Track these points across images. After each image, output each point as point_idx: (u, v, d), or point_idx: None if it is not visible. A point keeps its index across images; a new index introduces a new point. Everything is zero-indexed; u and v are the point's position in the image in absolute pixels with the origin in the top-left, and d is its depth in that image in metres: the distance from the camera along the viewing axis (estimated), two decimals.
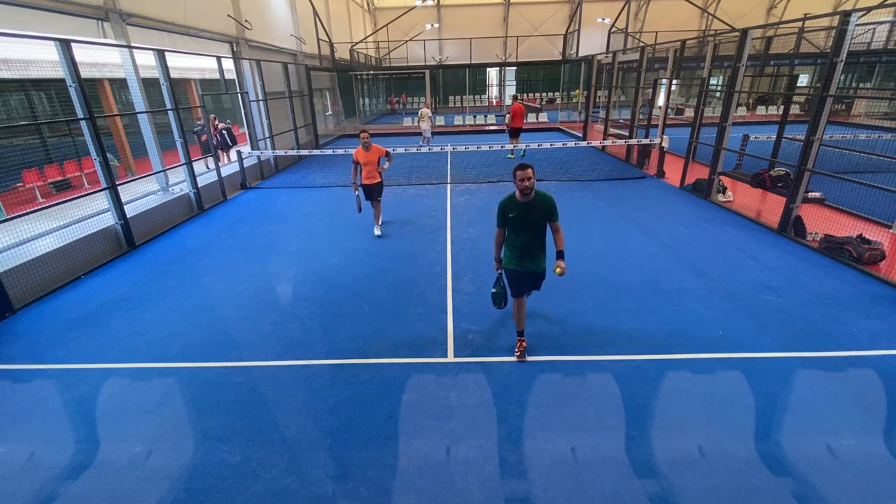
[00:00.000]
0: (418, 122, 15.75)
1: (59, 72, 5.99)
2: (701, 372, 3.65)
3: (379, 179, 6.86)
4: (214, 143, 10.86)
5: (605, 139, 13.62)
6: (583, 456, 2.88)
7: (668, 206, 8.23)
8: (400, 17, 23.07)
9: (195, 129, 11.56)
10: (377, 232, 7.07)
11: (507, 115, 13.33)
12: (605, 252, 6.14)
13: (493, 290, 3.96)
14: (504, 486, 2.69)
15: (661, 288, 5.06)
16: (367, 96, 29.89)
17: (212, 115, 12.01)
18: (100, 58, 8.32)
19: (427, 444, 3.01)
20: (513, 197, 3.52)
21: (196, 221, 8.34)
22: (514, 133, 13.09)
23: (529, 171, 3.38)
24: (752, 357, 3.81)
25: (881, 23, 15.32)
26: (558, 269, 3.48)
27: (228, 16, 11.77)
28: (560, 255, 3.55)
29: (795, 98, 19.08)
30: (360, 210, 6.87)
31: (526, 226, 3.54)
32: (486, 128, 21.78)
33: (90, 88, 7.33)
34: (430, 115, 15.75)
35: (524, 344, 3.90)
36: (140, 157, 9.88)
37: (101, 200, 6.74)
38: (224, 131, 12.02)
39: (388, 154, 6.86)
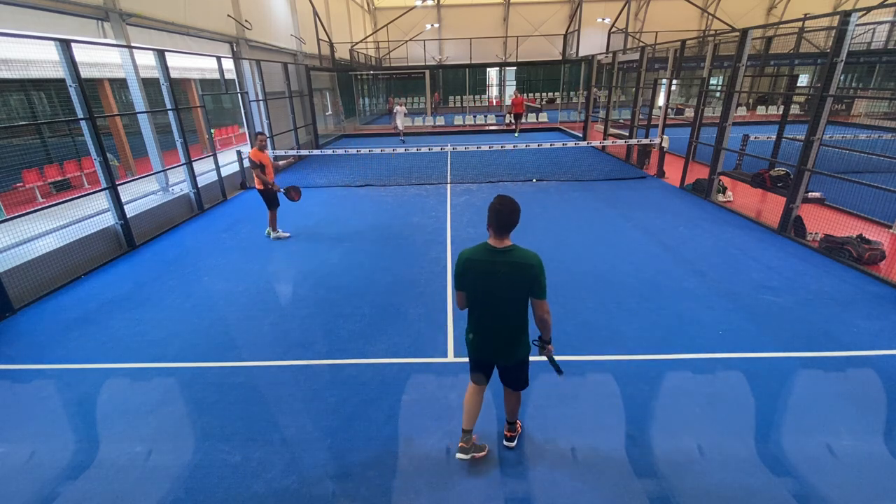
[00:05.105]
0: (394, 119, 17.87)
1: (59, 72, 5.99)
2: (701, 372, 3.65)
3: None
4: None
5: (605, 139, 13.64)
6: (583, 456, 2.88)
7: (668, 206, 8.23)
8: (400, 17, 23.06)
9: None
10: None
11: (511, 106, 19.28)
12: (604, 252, 6.14)
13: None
14: (504, 486, 2.69)
15: (661, 288, 5.06)
16: (367, 96, 29.88)
17: None
18: (100, 58, 8.31)
19: (427, 444, 3.01)
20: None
21: (196, 221, 8.35)
22: (517, 117, 18.89)
23: None
24: (752, 357, 3.81)
25: (881, 23, 15.33)
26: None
27: (228, 16, 11.77)
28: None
29: (795, 98, 19.08)
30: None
31: (487, 298, 2.47)
32: (487, 128, 21.76)
33: (90, 88, 7.31)
34: (405, 112, 18.27)
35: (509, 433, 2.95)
36: (140, 157, 9.87)
37: (101, 200, 6.74)
38: None
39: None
